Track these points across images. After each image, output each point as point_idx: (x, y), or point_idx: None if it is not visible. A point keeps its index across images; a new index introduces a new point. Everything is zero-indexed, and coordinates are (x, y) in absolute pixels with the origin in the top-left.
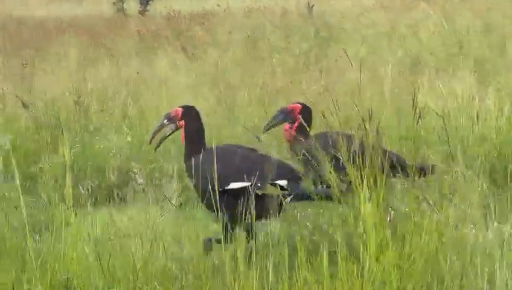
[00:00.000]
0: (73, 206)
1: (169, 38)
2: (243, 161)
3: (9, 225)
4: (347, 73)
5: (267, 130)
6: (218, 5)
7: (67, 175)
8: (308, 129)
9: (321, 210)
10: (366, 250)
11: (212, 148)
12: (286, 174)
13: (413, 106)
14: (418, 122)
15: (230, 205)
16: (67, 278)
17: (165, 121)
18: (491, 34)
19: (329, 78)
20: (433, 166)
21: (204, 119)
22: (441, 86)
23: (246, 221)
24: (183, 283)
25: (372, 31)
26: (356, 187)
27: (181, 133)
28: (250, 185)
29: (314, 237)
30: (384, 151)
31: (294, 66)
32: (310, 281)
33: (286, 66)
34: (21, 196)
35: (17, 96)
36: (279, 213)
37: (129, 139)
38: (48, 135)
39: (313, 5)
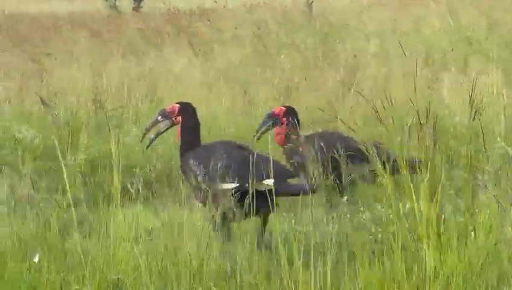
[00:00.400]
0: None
1: (173, 35)
2: (233, 161)
3: (52, 225)
4: (364, 69)
5: (258, 138)
6: (215, 1)
7: (114, 172)
8: (297, 130)
9: (361, 208)
10: (424, 250)
11: (206, 145)
12: (274, 173)
13: (469, 102)
14: (474, 118)
15: (221, 203)
16: (118, 278)
17: (159, 117)
18: (497, 30)
19: (346, 74)
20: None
21: (222, 116)
22: (462, 82)
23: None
24: (239, 284)
25: (376, 28)
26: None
27: (177, 129)
28: (239, 186)
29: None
30: (377, 147)
31: (304, 62)
32: (373, 283)
33: (295, 62)
34: (69, 194)
35: (36, 93)
36: (271, 209)
37: (152, 136)
38: (68, 132)
39: (312, 1)
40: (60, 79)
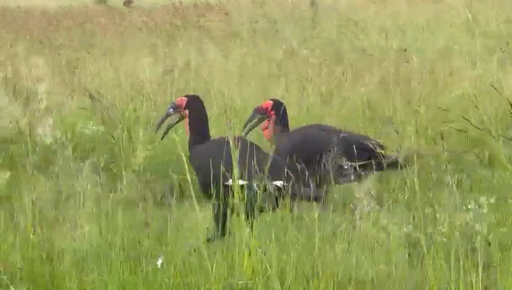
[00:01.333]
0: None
1: (184, 29)
2: (243, 159)
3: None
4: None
5: (246, 133)
6: None
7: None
8: (285, 124)
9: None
10: None
11: (216, 140)
12: (284, 175)
13: None
14: None
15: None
16: (247, 284)
17: (171, 110)
18: None
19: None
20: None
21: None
22: None
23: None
24: None
25: (389, 22)
26: None
27: (185, 122)
28: (247, 184)
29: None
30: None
31: (332, 57)
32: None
33: (321, 58)
34: (196, 203)
35: (85, 88)
36: (274, 209)
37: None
38: (122, 127)
39: None
40: (91, 74)
